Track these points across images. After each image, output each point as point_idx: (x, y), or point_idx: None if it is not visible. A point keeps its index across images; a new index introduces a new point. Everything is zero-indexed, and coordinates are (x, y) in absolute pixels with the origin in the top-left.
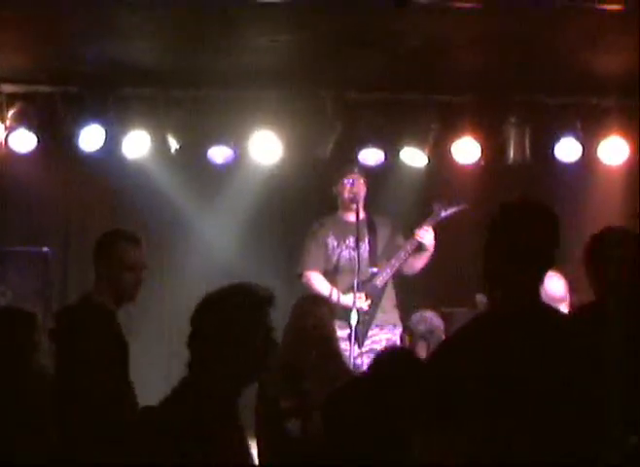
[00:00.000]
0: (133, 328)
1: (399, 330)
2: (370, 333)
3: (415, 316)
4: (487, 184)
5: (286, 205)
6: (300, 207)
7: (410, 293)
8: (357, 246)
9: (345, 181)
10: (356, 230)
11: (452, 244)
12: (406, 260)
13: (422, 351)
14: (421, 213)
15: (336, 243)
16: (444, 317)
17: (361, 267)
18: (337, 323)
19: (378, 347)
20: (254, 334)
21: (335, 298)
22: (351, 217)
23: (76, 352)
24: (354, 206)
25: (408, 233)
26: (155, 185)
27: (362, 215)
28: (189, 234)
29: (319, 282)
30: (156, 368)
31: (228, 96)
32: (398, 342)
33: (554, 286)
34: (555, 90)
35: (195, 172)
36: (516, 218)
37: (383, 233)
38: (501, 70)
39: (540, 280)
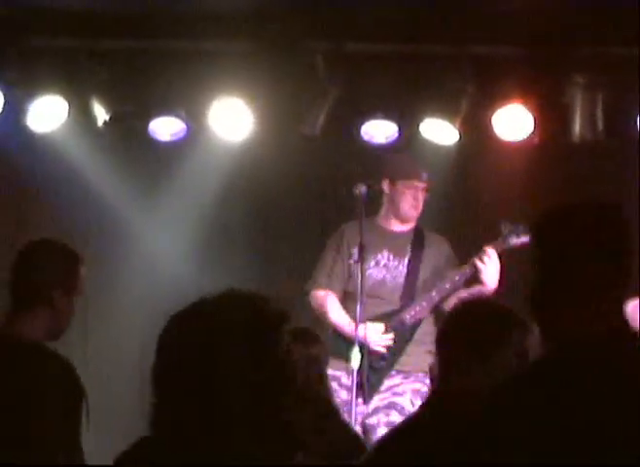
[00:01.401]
0: None
1: (427, 378)
2: (387, 382)
3: None
4: (544, 169)
5: (260, 199)
6: (279, 202)
7: None
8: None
9: (409, 188)
10: (400, 243)
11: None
12: (450, 293)
13: None
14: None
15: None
16: None
17: (391, 292)
18: (344, 365)
19: (401, 401)
20: (266, 365)
21: (348, 330)
22: (395, 226)
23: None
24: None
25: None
26: (74, 170)
27: (410, 225)
28: (123, 239)
29: (332, 308)
30: None
31: (178, 49)
32: (424, 393)
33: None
34: (639, 39)
35: (132, 153)
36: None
37: (433, 255)
38: (562, 9)
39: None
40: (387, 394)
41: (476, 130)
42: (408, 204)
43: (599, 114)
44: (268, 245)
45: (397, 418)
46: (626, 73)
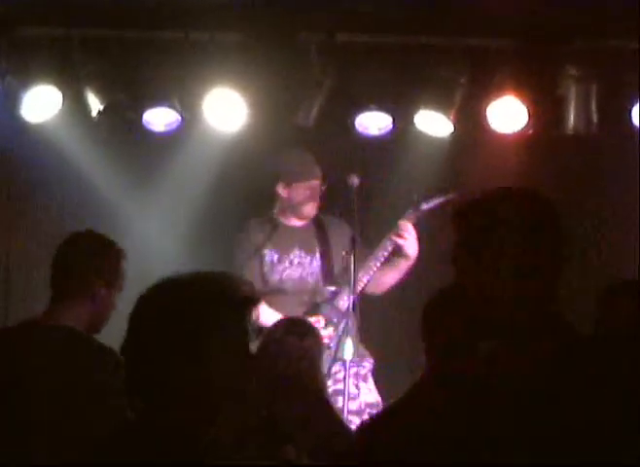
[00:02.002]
0: None
1: (368, 361)
2: (332, 370)
3: None
4: (537, 161)
5: (253, 190)
6: (272, 193)
7: (411, 315)
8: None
9: (304, 184)
10: (306, 238)
11: None
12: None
13: None
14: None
15: (276, 258)
16: None
17: (314, 287)
18: None
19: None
20: (232, 343)
21: None
22: (297, 222)
23: None
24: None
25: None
26: (67, 160)
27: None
28: (116, 229)
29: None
30: None
31: (172, 40)
32: (366, 376)
33: None
34: (634, 31)
35: (126, 143)
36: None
37: (339, 239)
38: (557, 1)
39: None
40: (330, 382)
41: (470, 122)
42: (309, 205)
43: (593, 106)
44: None
45: (344, 403)
46: (621, 66)
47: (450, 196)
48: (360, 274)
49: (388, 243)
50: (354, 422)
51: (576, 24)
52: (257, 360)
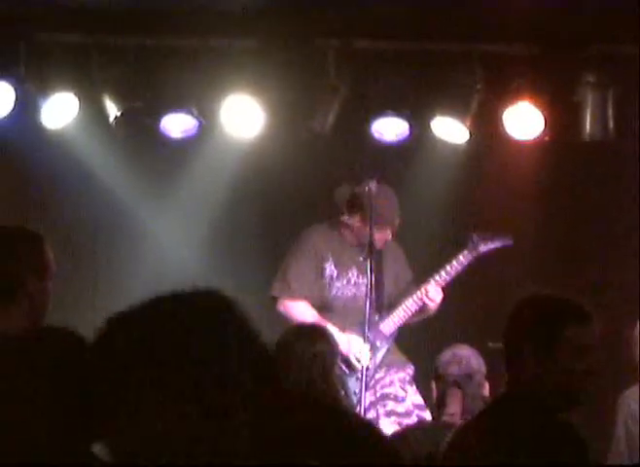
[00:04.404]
0: None
1: (410, 367)
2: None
3: (446, 355)
4: (554, 168)
5: (270, 197)
6: (289, 200)
7: (439, 322)
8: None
9: (382, 233)
10: (367, 263)
11: (504, 257)
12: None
13: (455, 402)
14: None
15: (335, 274)
16: (493, 355)
17: (363, 308)
18: None
19: (393, 390)
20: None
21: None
22: (355, 242)
23: None
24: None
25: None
26: (86, 166)
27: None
28: (134, 236)
29: (306, 314)
30: None
31: (189, 46)
32: (410, 380)
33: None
34: None
35: (144, 149)
36: None
37: (392, 265)
38: (573, 7)
39: None
40: (376, 388)
41: (486, 129)
42: (380, 243)
43: (610, 113)
44: (277, 241)
45: (393, 406)
46: (637, 72)
47: (509, 241)
48: (406, 306)
49: (417, 299)
50: (404, 423)
51: (592, 31)
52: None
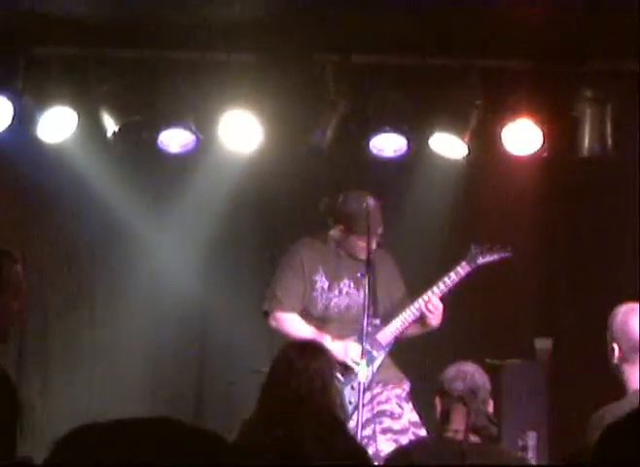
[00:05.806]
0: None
1: (406, 384)
2: (367, 394)
3: (450, 371)
4: (553, 183)
5: (268, 212)
6: (287, 215)
7: (435, 338)
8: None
9: (368, 203)
10: (354, 269)
11: (501, 273)
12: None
13: (459, 418)
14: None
15: (327, 285)
16: (490, 372)
17: (361, 317)
18: None
19: (389, 407)
20: None
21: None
22: (345, 254)
23: None
24: (364, 242)
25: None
26: (83, 181)
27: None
28: (131, 250)
29: (298, 325)
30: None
31: (187, 61)
32: (407, 397)
33: None
34: None
35: (142, 164)
36: None
37: (383, 273)
38: (572, 23)
39: None
40: (373, 404)
41: (485, 145)
42: (363, 252)
43: (608, 129)
44: (276, 256)
45: (390, 423)
46: (636, 87)
47: (508, 253)
48: (406, 314)
49: (415, 310)
50: (400, 441)
51: (591, 46)
52: (269, 383)
